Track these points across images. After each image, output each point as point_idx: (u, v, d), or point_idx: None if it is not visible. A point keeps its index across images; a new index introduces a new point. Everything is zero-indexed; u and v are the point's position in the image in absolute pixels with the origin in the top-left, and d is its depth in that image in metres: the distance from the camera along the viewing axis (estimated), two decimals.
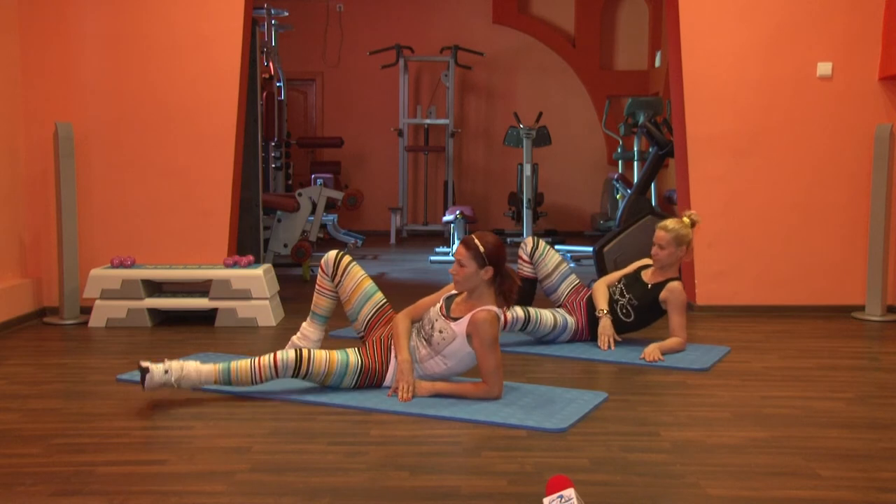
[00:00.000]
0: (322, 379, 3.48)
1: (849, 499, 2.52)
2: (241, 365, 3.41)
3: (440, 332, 3.47)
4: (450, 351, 3.47)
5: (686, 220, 4.44)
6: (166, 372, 3.36)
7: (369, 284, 3.80)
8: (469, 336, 3.41)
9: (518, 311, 4.40)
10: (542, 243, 4.70)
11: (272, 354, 3.41)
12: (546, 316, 4.47)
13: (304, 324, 3.94)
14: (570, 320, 4.53)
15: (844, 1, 5.48)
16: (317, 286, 3.88)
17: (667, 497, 2.52)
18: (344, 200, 8.09)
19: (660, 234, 4.39)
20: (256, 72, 6.17)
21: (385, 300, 3.81)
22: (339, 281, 3.79)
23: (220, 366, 3.44)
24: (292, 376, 3.43)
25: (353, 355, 3.53)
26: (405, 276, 7.21)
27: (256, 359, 3.42)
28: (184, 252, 5.40)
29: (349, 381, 3.52)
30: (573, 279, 4.67)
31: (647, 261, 4.56)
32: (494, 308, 3.44)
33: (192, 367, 3.40)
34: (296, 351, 3.41)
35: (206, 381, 3.42)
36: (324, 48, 11.20)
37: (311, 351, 3.45)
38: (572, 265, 7.32)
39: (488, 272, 3.43)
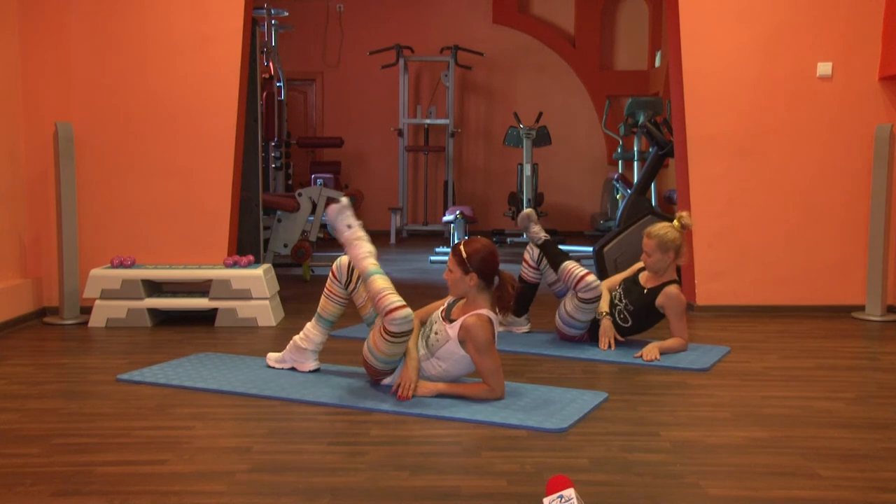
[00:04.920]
0: (390, 353, 3.47)
1: (849, 499, 2.52)
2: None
3: (436, 333, 3.49)
4: (443, 353, 3.47)
5: (676, 223, 4.41)
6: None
7: None
8: (462, 341, 3.42)
9: (602, 287, 4.41)
10: None
11: (393, 307, 3.40)
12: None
13: (308, 325, 3.92)
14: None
15: (844, 1, 5.48)
16: (326, 290, 3.82)
17: (667, 497, 2.52)
18: None
19: (645, 242, 4.36)
20: (256, 72, 6.17)
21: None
22: (354, 288, 3.75)
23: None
24: (390, 332, 3.40)
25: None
26: (405, 276, 7.21)
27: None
28: (184, 252, 5.40)
29: (385, 367, 3.54)
30: None
31: None
32: (486, 312, 3.44)
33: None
34: (412, 328, 3.43)
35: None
36: (324, 48, 11.20)
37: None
38: None
39: (473, 279, 3.45)
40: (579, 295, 4.37)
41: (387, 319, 3.39)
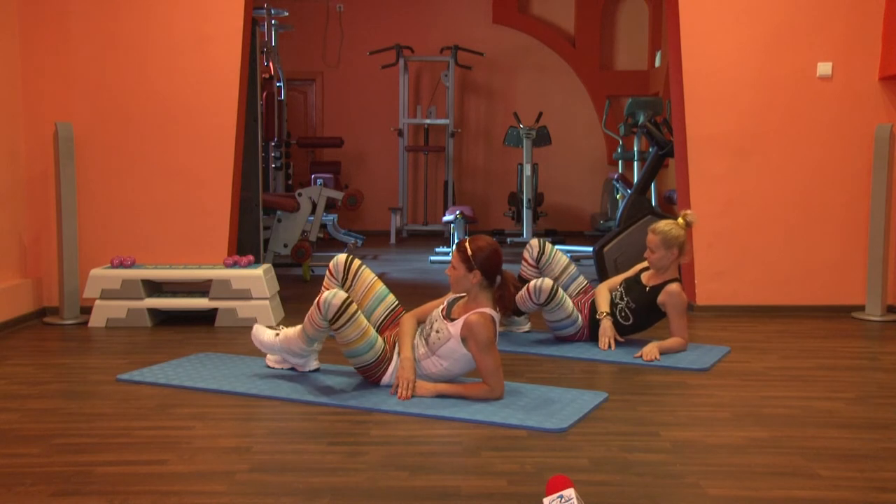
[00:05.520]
0: (352, 339, 3.47)
1: (849, 499, 2.52)
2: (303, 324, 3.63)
3: (437, 331, 3.49)
4: (445, 351, 3.48)
5: (680, 220, 4.42)
6: (277, 335, 3.79)
7: (381, 287, 3.80)
8: (465, 339, 3.42)
9: (547, 282, 4.34)
10: (548, 246, 4.69)
11: (318, 297, 3.48)
12: (569, 302, 4.45)
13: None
14: (580, 317, 4.52)
15: (844, 1, 5.48)
16: (323, 289, 3.82)
17: (667, 497, 2.52)
18: (344, 200, 8.09)
19: (649, 238, 4.38)
20: (256, 72, 6.17)
21: (397, 302, 3.81)
22: (350, 285, 3.77)
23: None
24: (329, 321, 3.44)
25: (380, 339, 3.57)
26: (405, 276, 7.21)
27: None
28: (184, 252, 5.40)
29: (368, 358, 3.53)
30: (581, 280, 4.68)
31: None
32: (488, 311, 3.44)
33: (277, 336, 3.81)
34: (345, 300, 3.43)
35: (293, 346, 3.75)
36: (324, 48, 11.20)
37: (357, 307, 3.50)
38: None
39: (476, 276, 3.45)
40: (540, 303, 4.37)
41: (324, 315, 3.45)
